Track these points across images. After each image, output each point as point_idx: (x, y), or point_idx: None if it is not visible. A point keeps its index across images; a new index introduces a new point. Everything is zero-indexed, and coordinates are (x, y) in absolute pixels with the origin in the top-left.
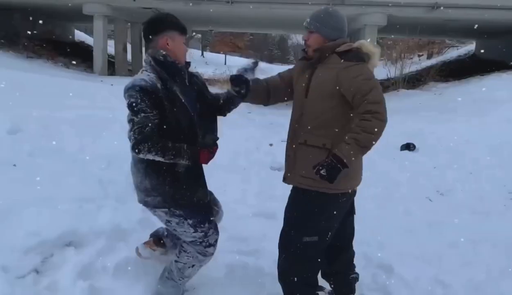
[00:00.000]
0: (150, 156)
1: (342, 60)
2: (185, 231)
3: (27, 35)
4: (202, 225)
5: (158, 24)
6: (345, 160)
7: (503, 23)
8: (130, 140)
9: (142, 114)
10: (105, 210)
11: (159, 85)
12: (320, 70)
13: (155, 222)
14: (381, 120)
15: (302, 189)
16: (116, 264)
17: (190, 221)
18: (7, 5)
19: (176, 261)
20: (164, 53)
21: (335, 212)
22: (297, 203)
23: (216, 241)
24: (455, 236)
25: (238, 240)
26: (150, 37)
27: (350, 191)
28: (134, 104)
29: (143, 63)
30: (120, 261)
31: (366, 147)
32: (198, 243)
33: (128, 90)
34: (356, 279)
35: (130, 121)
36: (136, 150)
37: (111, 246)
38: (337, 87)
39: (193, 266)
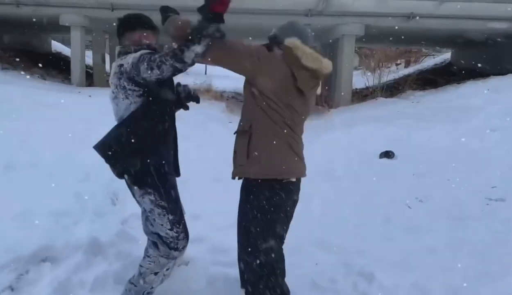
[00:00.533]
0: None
1: None
2: (162, 225)
3: (1, 46)
4: (177, 225)
5: (131, 22)
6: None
7: (475, 33)
8: (171, 61)
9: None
10: (82, 224)
11: None
12: None
13: (134, 234)
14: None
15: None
16: (94, 278)
17: (171, 217)
18: None
19: (140, 265)
20: (147, 42)
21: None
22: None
23: (183, 248)
24: (433, 242)
25: (219, 251)
26: (124, 32)
27: (283, 180)
28: (146, 55)
29: (120, 55)
30: (98, 276)
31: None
32: (168, 242)
33: (141, 57)
34: None
35: (153, 60)
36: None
37: (89, 260)
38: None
39: (156, 273)
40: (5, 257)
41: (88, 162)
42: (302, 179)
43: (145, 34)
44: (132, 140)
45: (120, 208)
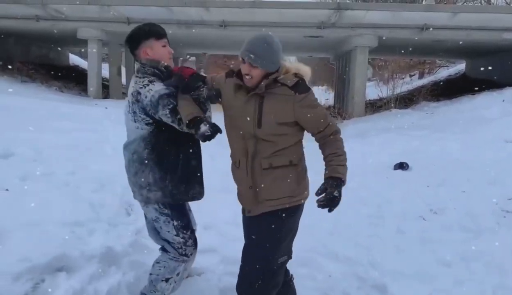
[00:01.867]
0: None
1: (296, 93)
2: (168, 231)
3: (21, 59)
4: (184, 231)
5: (133, 40)
6: (343, 179)
7: (490, 43)
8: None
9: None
10: (96, 233)
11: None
12: (269, 100)
13: (148, 244)
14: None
15: (276, 211)
16: (109, 289)
17: (175, 223)
18: (1, 30)
19: (150, 274)
20: (165, 64)
21: (297, 223)
22: (270, 227)
23: (192, 255)
24: (448, 255)
25: (231, 262)
26: (134, 53)
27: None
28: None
29: (139, 73)
30: (112, 286)
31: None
32: (176, 247)
33: (161, 98)
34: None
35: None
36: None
37: (103, 270)
38: (295, 118)
39: (167, 280)
40: (21, 266)
41: (102, 172)
42: (315, 188)
43: (151, 46)
44: (136, 164)
45: (134, 219)
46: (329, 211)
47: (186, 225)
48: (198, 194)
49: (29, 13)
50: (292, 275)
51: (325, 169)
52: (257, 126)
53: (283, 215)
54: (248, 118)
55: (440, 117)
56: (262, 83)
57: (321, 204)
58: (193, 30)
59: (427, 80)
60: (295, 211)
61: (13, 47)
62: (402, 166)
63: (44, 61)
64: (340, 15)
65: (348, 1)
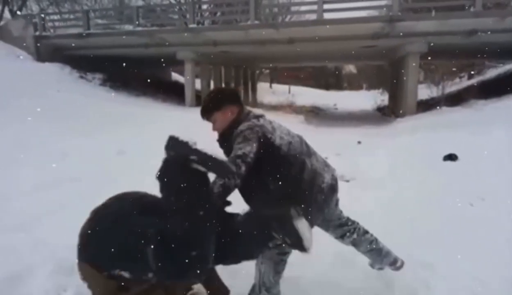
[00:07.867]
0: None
1: None
2: None
3: (135, 78)
4: None
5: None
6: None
7: None
8: None
9: None
10: None
11: None
12: None
13: None
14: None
15: None
16: None
17: None
18: (121, 56)
19: None
20: None
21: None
22: None
23: None
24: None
25: None
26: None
27: None
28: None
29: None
30: None
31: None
32: None
33: None
34: None
35: None
36: None
37: None
38: None
39: None
40: None
41: None
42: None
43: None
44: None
45: None
46: None
47: None
48: None
49: (140, 42)
50: None
51: None
52: None
53: None
54: None
55: (489, 113)
56: None
57: None
58: (265, 48)
59: (475, 80)
60: None
61: (129, 68)
62: (451, 157)
63: (152, 79)
64: (394, 26)
65: (399, 14)
